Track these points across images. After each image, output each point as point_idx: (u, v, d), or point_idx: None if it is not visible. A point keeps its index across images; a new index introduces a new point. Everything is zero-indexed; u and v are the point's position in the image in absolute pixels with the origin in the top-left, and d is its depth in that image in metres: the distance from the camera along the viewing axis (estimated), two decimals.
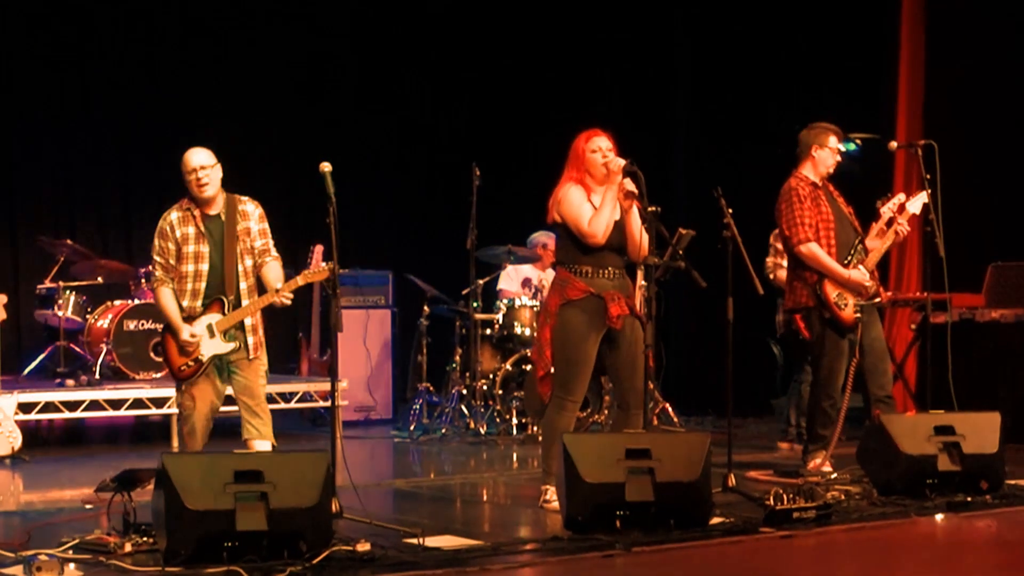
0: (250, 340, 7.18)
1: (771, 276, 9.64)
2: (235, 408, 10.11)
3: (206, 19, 12.53)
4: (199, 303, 7.14)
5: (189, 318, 7.13)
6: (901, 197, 8.35)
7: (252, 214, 7.35)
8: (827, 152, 8.19)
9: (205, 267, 7.17)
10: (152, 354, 10.54)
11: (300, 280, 7.19)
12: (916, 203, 8.28)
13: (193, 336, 7.08)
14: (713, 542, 6.07)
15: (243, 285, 7.18)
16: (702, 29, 13.00)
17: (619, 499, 6.08)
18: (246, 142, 12.87)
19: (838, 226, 8.09)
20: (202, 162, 7.17)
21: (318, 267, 7.51)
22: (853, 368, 8.05)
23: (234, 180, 13.00)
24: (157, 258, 7.21)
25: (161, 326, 7.37)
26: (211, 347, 7.12)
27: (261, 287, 7.26)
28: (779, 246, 9.67)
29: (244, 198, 7.41)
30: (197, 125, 12.46)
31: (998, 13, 11.19)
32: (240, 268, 7.21)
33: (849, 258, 8.05)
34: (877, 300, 8.19)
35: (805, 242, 7.98)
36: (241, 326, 7.14)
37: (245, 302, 7.17)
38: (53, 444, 10.45)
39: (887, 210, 8.26)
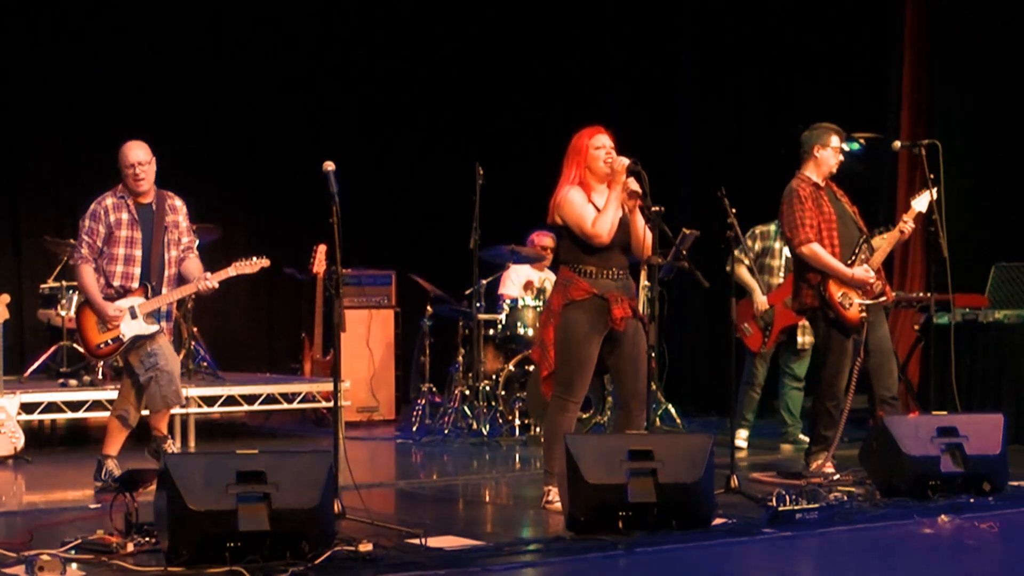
0: (164, 324, 7.72)
1: (727, 268, 9.68)
2: (234, 408, 10.21)
3: (205, 18, 12.53)
4: (134, 284, 7.63)
5: (114, 298, 7.58)
6: (931, 193, 8.32)
7: (180, 209, 7.89)
8: (829, 152, 8.18)
9: (138, 252, 7.66)
10: None
11: (232, 271, 7.82)
12: (922, 201, 8.23)
13: (119, 311, 7.53)
14: (715, 543, 6.07)
15: (167, 273, 7.70)
16: (707, 28, 12.99)
17: (621, 500, 6.07)
18: (249, 142, 12.89)
19: (840, 226, 8.09)
20: (140, 158, 7.72)
21: (250, 261, 7.97)
22: (857, 368, 8.05)
23: (237, 180, 13.10)
24: (86, 237, 7.62)
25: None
26: (133, 328, 7.59)
27: (181, 279, 7.79)
28: (749, 243, 9.74)
29: (172, 193, 7.94)
30: (200, 125, 12.51)
31: (1003, 12, 11.18)
32: (165, 257, 7.71)
33: (853, 257, 8.05)
34: (883, 300, 8.18)
35: (806, 243, 7.98)
36: (158, 311, 7.63)
37: (165, 289, 7.68)
38: (56, 444, 10.45)
39: (916, 204, 8.20)
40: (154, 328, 7.61)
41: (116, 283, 7.61)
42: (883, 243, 8.16)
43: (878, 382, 8.15)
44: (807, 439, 9.72)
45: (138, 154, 7.74)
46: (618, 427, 7.07)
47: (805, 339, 9.73)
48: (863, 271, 7.99)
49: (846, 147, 8.19)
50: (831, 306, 7.96)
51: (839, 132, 8.30)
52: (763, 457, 9.32)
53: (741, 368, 9.85)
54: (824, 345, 8.08)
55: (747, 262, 9.72)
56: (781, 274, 9.63)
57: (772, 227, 9.76)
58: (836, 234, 8.04)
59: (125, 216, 7.67)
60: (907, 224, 8.14)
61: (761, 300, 9.62)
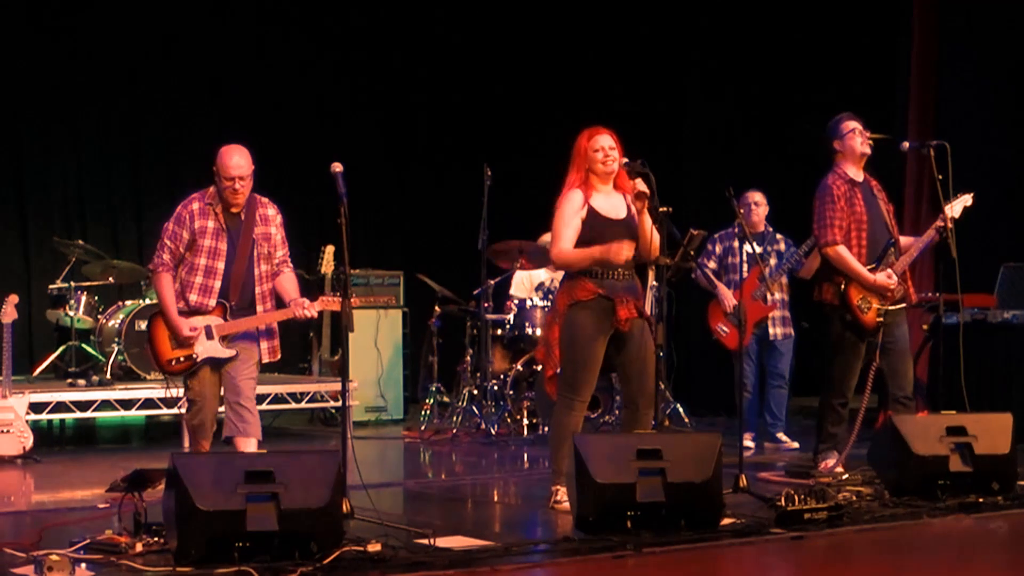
0: (263, 345, 7.18)
1: (693, 275, 9.66)
2: None
3: (216, 20, 12.53)
4: (211, 301, 7.08)
5: (189, 313, 7.07)
6: (967, 199, 8.29)
7: (273, 219, 7.31)
8: (847, 137, 8.10)
9: (221, 265, 7.09)
10: None
11: (318, 306, 7.17)
12: (956, 207, 8.24)
13: (194, 330, 7.00)
14: (724, 543, 6.06)
15: (257, 290, 7.15)
16: (715, 28, 12.98)
17: (630, 499, 6.07)
18: (256, 142, 12.79)
19: (871, 227, 8.07)
20: (242, 172, 7.06)
21: (337, 298, 7.17)
22: (873, 370, 8.05)
23: None
24: (168, 242, 7.14)
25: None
26: (208, 349, 7.06)
27: (276, 296, 7.22)
28: (710, 247, 9.75)
29: (265, 200, 7.35)
30: (207, 126, 12.50)
31: (1010, 12, 11.17)
32: (255, 272, 7.16)
33: (877, 264, 8.05)
34: (903, 305, 8.17)
35: (833, 245, 7.97)
36: (249, 334, 7.09)
37: (259, 308, 7.13)
38: (64, 444, 10.47)
39: (949, 209, 8.17)
40: (231, 353, 7.02)
41: (193, 296, 7.05)
42: (911, 248, 8.16)
43: (892, 381, 8.15)
44: (786, 439, 9.74)
45: (240, 166, 7.07)
46: (626, 426, 7.07)
47: (776, 330, 9.71)
48: (885, 276, 7.97)
49: (861, 126, 8.14)
50: (849, 309, 7.96)
51: (851, 116, 8.22)
52: (771, 457, 9.31)
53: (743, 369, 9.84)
54: (836, 343, 8.07)
55: (710, 264, 9.76)
56: (745, 269, 9.55)
57: (728, 230, 9.79)
58: (865, 235, 8.03)
59: (211, 224, 7.08)
60: (941, 226, 8.07)
61: (729, 298, 9.60)
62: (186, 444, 9.68)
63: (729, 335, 9.60)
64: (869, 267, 8.01)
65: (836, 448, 8.12)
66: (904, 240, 8.27)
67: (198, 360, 7.06)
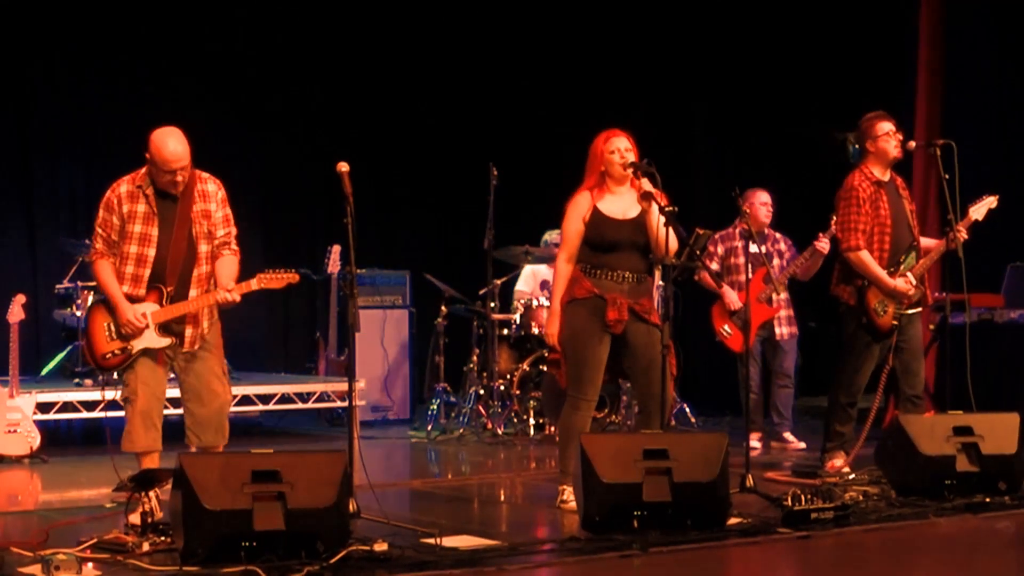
0: (187, 332, 6.69)
1: (696, 277, 9.64)
2: (249, 408, 10.23)
3: (224, 18, 12.54)
4: (141, 290, 6.62)
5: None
6: (991, 201, 8.32)
7: (214, 195, 6.81)
8: (881, 138, 8.06)
9: (152, 252, 6.61)
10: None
11: (255, 284, 6.79)
12: (981, 209, 8.28)
13: (143, 316, 6.55)
14: (730, 542, 6.07)
15: (194, 273, 6.69)
16: (723, 30, 12.97)
17: (636, 499, 6.07)
18: (262, 142, 12.89)
19: (894, 230, 8.03)
20: (183, 164, 6.60)
21: (278, 274, 6.95)
22: (886, 372, 8.06)
23: (251, 180, 13.10)
24: (100, 230, 6.67)
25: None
26: (143, 339, 6.61)
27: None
28: (711, 249, 9.75)
29: (205, 175, 6.89)
30: (213, 125, 12.50)
31: (1017, 13, 11.15)
32: (196, 253, 6.69)
33: (897, 267, 8.03)
34: (919, 309, 8.17)
35: (856, 249, 7.93)
36: (181, 318, 6.63)
37: (193, 292, 6.67)
38: (71, 444, 10.47)
39: (974, 212, 8.24)
40: (167, 341, 6.59)
41: (125, 287, 6.59)
42: (932, 252, 8.16)
43: (904, 379, 8.15)
44: (792, 438, 9.73)
45: (180, 157, 6.59)
46: (639, 429, 7.08)
47: (783, 330, 9.71)
48: (904, 282, 7.96)
49: (859, 147, 8.15)
50: (866, 311, 7.96)
51: (885, 116, 8.17)
52: (778, 456, 9.31)
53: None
54: (849, 343, 8.07)
55: (714, 266, 9.75)
56: (751, 269, 9.54)
57: (730, 229, 9.77)
58: (888, 238, 8.00)
59: (141, 208, 6.61)
60: (961, 233, 8.08)
61: (733, 299, 9.58)
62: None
63: (733, 337, 9.58)
64: (889, 269, 7.98)
65: (843, 448, 8.12)
66: (924, 242, 8.25)
67: (133, 352, 6.61)
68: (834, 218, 8.17)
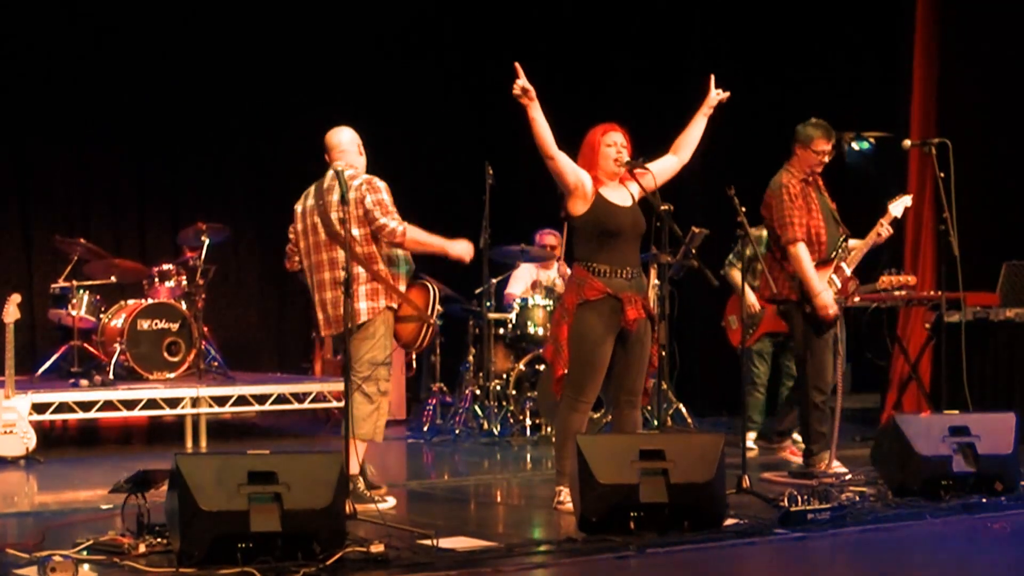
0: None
1: (721, 272, 9.66)
2: (245, 408, 10.23)
3: (219, 18, 12.53)
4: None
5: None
6: (907, 200, 8.44)
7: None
8: (810, 155, 8.21)
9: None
10: (166, 354, 10.56)
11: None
12: (899, 206, 8.40)
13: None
14: (727, 543, 6.06)
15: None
16: (717, 25, 12.97)
17: (633, 500, 6.07)
18: (258, 142, 12.89)
19: (826, 225, 8.15)
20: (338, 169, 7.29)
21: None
22: (841, 364, 8.16)
23: (246, 180, 13.10)
24: (395, 212, 7.54)
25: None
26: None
27: None
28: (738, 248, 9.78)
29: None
30: (209, 125, 12.52)
31: (1012, 11, 11.16)
32: None
33: (835, 255, 8.13)
34: (856, 301, 8.27)
35: (794, 242, 8.02)
36: None
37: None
38: (67, 445, 10.47)
39: (893, 208, 8.34)
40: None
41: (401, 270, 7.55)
42: (860, 244, 8.23)
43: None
44: (797, 438, 9.73)
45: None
46: (617, 428, 7.05)
47: None
48: (828, 296, 8.02)
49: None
50: (809, 300, 8.00)
51: (827, 133, 8.26)
52: (775, 457, 9.30)
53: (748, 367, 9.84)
54: (804, 340, 8.12)
55: (739, 265, 9.75)
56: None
57: (764, 232, 9.77)
58: (824, 233, 8.11)
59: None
60: (883, 227, 8.26)
61: (753, 302, 9.57)
62: (188, 445, 9.72)
63: (735, 331, 9.58)
64: (829, 256, 8.07)
65: (828, 448, 8.14)
66: (852, 242, 8.37)
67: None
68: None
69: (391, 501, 7.19)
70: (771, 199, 8.17)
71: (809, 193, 8.15)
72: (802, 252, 7.98)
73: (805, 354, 8.10)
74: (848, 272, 8.13)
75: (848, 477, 7.78)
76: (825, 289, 8.02)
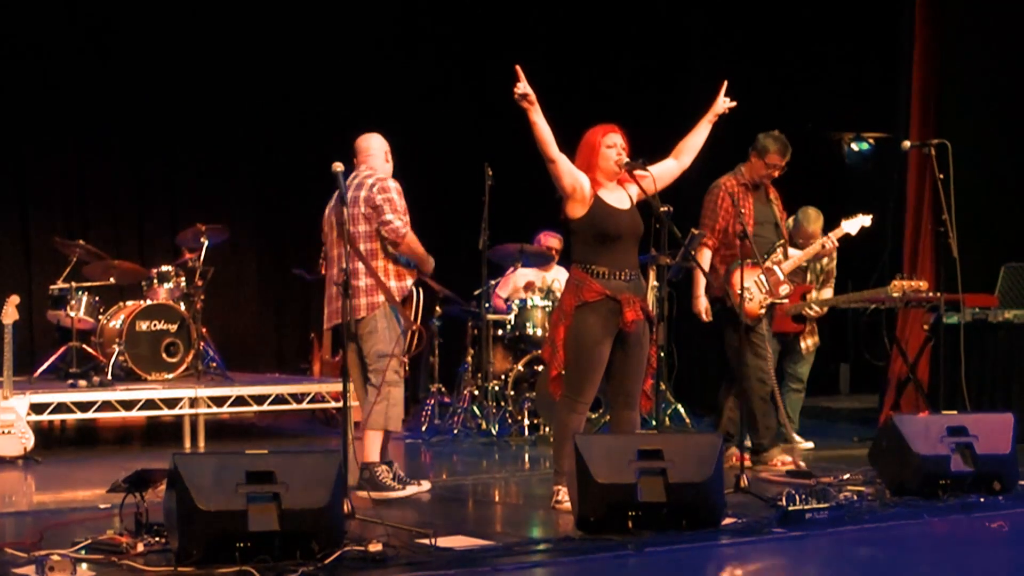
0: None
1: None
2: (244, 408, 10.23)
3: (218, 21, 12.53)
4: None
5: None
6: (865, 220, 8.79)
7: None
8: (762, 166, 8.51)
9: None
10: (164, 355, 10.56)
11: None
12: (853, 224, 8.76)
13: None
14: (725, 543, 6.07)
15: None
16: (717, 26, 12.98)
17: (631, 500, 6.07)
18: (257, 142, 12.89)
19: (758, 228, 8.43)
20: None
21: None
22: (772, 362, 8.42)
23: (245, 180, 13.11)
24: (403, 214, 7.64)
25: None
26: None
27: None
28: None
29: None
30: (209, 126, 12.52)
31: (1012, 12, 11.17)
32: None
33: (765, 258, 8.39)
34: (785, 303, 8.54)
35: (705, 245, 8.41)
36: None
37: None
38: (65, 445, 10.47)
39: (846, 225, 8.76)
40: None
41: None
42: (802, 253, 8.61)
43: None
44: (799, 439, 9.74)
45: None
46: (615, 428, 7.05)
47: (808, 343, 9.73)
48: (704, 305, 8.40)
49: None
50: (730, 296, 8.21)
51: (783, 149, 8.53)
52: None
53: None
54: (734, 337, 8.25)
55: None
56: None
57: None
58: (752, 235, 8.23)
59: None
60: (829, 241, 8.69)
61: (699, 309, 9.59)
62: (187, 445, 9.72)
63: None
64: (754, 260, 8.22)
65: (778, 441, 8.24)
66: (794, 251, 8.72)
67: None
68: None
69: (426, 485, 7.59)
70: (706, 195, 8.52)
71: (748, 198, 8.43)
72: (707, 256, 8.36)
73: (743, 354, 8.18)
74: (781, 276, 8.36)
75: (847, 476, 7.75)
76: (701, 297, 8.37)
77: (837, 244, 8.78)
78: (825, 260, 9.74)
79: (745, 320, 8.05)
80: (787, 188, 10.22)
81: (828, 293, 9.96)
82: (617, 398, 6.99)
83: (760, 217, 8.46)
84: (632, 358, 6.91)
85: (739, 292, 7.73)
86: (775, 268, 8.35)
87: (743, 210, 8.34)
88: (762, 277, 8.33)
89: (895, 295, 9.23)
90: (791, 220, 9.59)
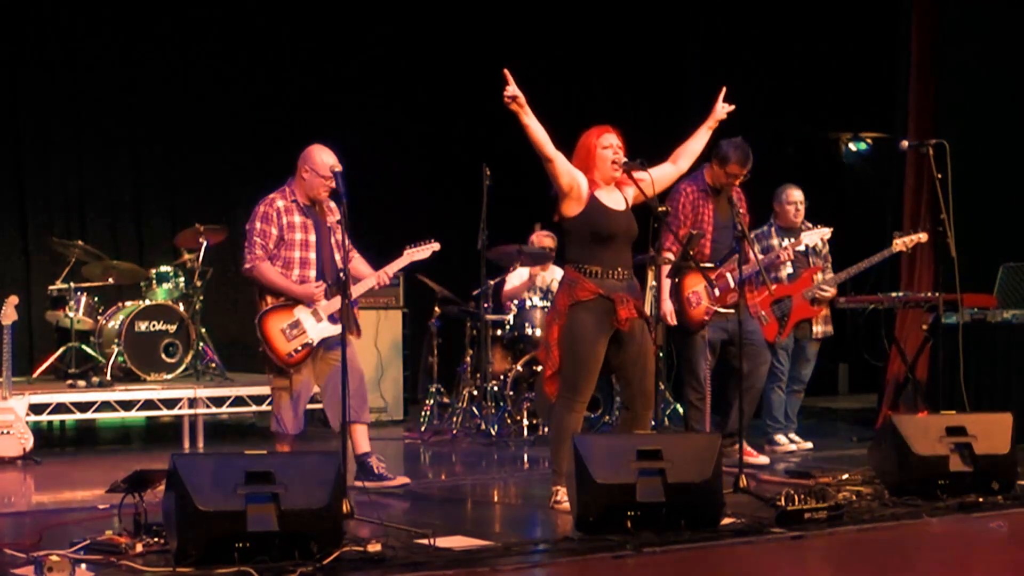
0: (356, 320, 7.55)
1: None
2: (243, 409, 10.22)
3: (217, 20, 12.53)
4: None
5: (279, 308, 7.43)
6: (825, 231, 9.09)
7: (336, 211, 7.64)
8: (722, 174, 8.63)
9: (313, 255, 7.51)
10: (163, 355, 10.55)
11: (404, 260, 7.83)
12: (813, 235, 9.07)
13: (319, 285, 7.41)
14: (724, 543, 6.06)
15: (340, 273, 7.31)
16: (715, 27, 12.99)
17: (630, 500, 6.07)
18: (255, 143, 12.88)
19: (716, 233, 8.60)
20: (336, 169, 7.18)
21: (420, 246, 7.99)
22: (710, 368, 8.58)
23: (243, 181, 13.10)
24: (258, 239, 7.45)
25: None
26: (319, 331, 7.45)
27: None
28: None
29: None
30: (208, 127, 12.51)
31: (1010, 12, 11.17)
32: (336, 257, 7.55)
33: (719, 264, 8.56)
34: (731, 312, 8.49)
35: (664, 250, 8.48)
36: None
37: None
38: (64, 445, 10.47)
39: (805, 237, 9.05)
40: (337, 329, 7.23)
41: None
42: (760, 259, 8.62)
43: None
44: (798, 439, 9.73)
45: (334, 161, 7.34)
46: (624, 427, 7.07)
47: (818, 328, 9.71)
48: (669, 308, 8.49)
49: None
50: (679, 299, 8.42)
51: (744, 159, 8.62)
52: (771, 457, 9.30)
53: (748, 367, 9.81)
54: (679, 341, 8.59)
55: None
56: (788, 266, 9.55)
57: (765, 228, 9.76)
58: (709, 240, 8.59)
59: (298, 219, 7.51)
60: (787, 251, 8.99)
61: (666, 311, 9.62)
62: (186, 445, 9.72)
63: (769, 325, 9.42)
64: (713, 264, 8.49)
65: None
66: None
67: (315, 343, 7.45)
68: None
69: (407, 481, 7.75)
70: (666, 200, 8.55)
71: (708, 203, 8.62)
72: (667, 258, 8.37)
73: (680, 354, 8.59)
74: (732, 283, 8.46)
75: (846, 476, 7.74)
76: (667, 299, 8.48)
77: (792, 256, 9.12)
78: (819, 245, 9.75)
79: (688, 325, 8.41)
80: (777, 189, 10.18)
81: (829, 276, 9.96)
82: (636, 400, 6.98)
83: (719, 222, 8.61)
84: (636, 358, 6.91)
85: (687, 296, 8.27)
86: (728, 275, 8.47)
87: (704, 215, 8.58)
88: (710, 285, 8.48)
89: (896, 252, 9.31)
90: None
